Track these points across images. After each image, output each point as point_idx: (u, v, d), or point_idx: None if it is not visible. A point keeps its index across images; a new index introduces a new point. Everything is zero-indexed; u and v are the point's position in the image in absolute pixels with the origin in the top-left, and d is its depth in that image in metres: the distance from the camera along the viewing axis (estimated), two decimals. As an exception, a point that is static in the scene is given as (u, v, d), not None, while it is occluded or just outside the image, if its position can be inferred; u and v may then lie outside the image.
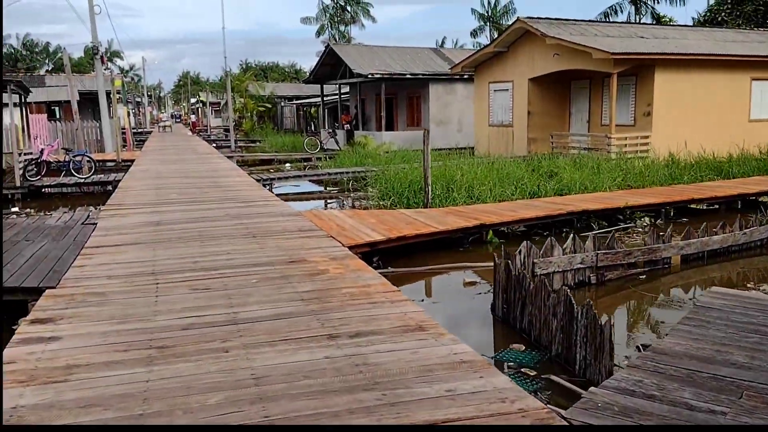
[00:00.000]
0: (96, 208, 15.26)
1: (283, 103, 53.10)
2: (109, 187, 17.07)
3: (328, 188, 18.20)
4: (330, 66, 30.21)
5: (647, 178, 15.49)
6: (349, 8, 57.99)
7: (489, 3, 58.23)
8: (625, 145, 18.72)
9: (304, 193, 18.35)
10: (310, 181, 18.50)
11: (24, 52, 73.18)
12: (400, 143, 25.67)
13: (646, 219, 11.44)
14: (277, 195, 14.35)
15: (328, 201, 15.25)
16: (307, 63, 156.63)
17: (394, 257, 9.09)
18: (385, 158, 21.21)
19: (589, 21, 22.38)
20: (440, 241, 9.60)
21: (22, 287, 6.43)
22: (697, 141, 18.60)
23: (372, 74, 26.12)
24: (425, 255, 9.41)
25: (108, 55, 57.52)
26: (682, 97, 19.09)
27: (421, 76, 27.15)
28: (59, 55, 62.18)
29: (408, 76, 26.96)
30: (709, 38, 22.74)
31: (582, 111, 21.71)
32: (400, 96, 29.58)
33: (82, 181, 17.58)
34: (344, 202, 14.77)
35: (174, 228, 9.24)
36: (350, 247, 8.06)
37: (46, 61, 75.39)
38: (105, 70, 31.93)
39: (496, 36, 57.53)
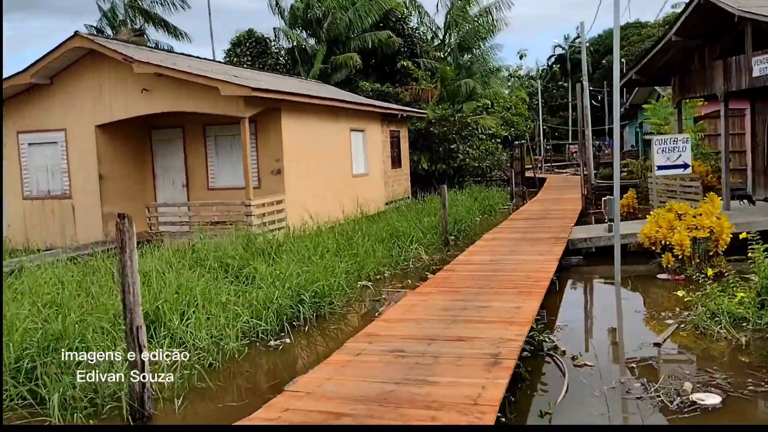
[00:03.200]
0: None
1: None
2: None
3: None
4: None
5: (368, 259, 11.10)
6: None
7: None
8: (264, 214, 13.84)
9: None
10: None
11: None
12: None
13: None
14: None
15: None
16: None
17: None
18: None
19: (168, 51, 16.60)
20: None
21: None
22: (319, 202, 15.22)
23: None
24: None
25: None
26: (305, 150, 15.39)
27: None
28: None
29: None
30: (292, 82, 19.76)
31: (174, 171, 15.63)
32: None
33: None
34: None
35: None
36: None
37: None
38: None
39: None
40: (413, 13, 31.78)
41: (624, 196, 18.17)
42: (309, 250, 11.10)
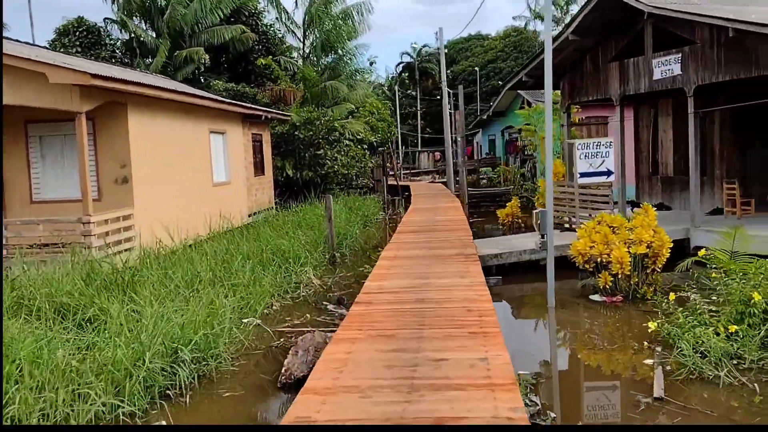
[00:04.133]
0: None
1: None
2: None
3: None
4: None
5: (257, 292, 8.83)
6: None
7: None
8: (107, 232, 11.11)
9: None
10: None
11: None
12: None
13: None
14: None
15: None
16: None
17: None
18: None
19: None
20: None
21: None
22: (175, 216, 12.71)
23: None
24: None
25: None
26: (157, 154, 12.82)
27: None
28: None
29: None
30: (137, 74, 16.76)
31: (-16, 180, 12.27)
32: None
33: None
34: None
35: None
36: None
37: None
38: None
39: None
40: (268, 8, 29.46)
41: (507, 204, 17.38)
42: (175, 280, 8.70)
